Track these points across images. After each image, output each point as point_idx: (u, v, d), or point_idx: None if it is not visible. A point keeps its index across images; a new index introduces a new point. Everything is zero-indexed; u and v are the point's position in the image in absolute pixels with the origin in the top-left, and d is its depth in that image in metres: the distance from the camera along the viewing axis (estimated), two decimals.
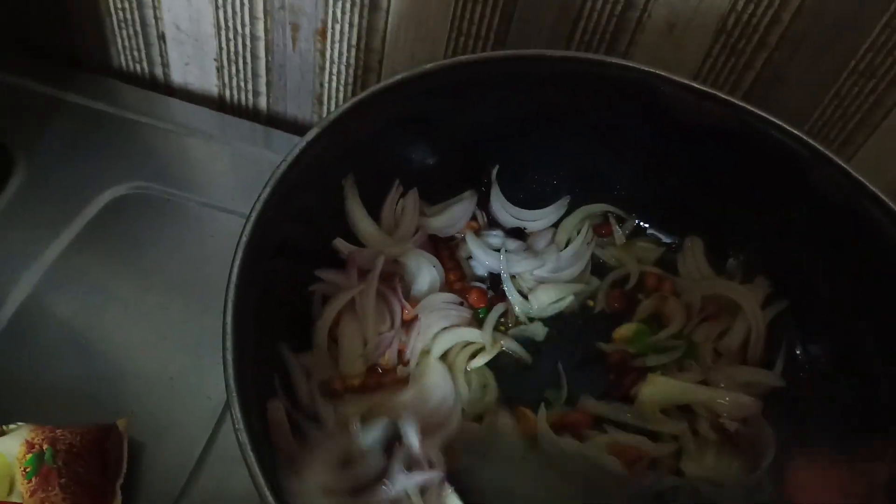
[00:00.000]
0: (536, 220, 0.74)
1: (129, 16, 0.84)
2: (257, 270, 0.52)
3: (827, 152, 0.61)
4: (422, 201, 0.71)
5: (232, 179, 0.82)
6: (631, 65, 0.65)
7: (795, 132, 0.62)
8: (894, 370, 0.61)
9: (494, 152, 0.72)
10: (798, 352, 0.68)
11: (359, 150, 0.63)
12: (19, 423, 0.59)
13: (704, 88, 0.64)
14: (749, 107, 0.63)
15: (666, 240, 0.74)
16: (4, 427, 0.59)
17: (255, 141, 0.85)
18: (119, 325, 0.69)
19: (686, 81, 0.64)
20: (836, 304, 0.64)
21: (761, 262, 0.70)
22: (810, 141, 0.62)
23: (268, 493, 0.43)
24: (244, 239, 0.51)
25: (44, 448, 0.57)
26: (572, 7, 0.72)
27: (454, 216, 0.71)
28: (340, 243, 0.65)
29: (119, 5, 0.83)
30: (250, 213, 0.52)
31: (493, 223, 0.74)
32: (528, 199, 0.74)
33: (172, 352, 0.68)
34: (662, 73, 0.64)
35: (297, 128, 0.90)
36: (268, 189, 0.53)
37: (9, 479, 0.56)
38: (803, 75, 0.72)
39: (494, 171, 0.72)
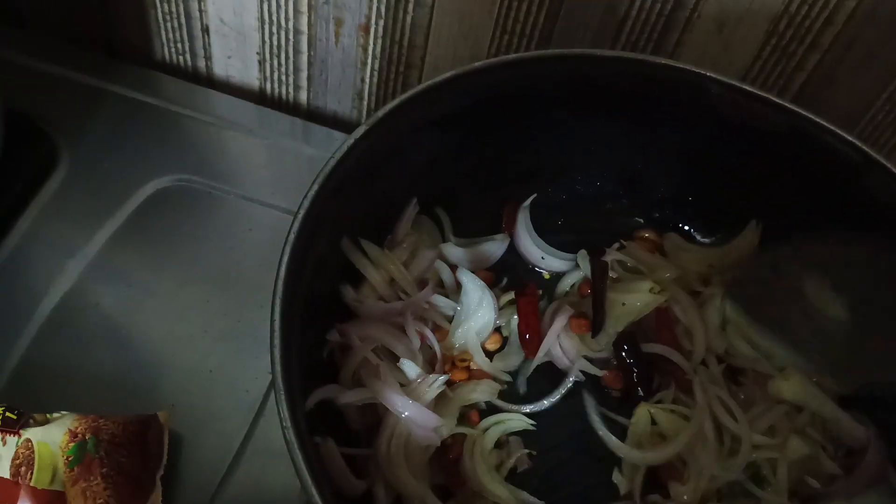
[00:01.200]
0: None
1: (173, 8, 0.84)
2: (305, 267, 0.52)
3: (878, 157, 0.60)
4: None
5: (271, 173, 0.82)
6: (679, 65, 0.64)
7: (846, 136, 0.61)
8: None
9: (535, 158, 0.72)
10: None
11: (402, 150, 0.63)
12: (63, 413, 0.59)
13: (754, 90, 0.63)
14: (799, 110, 0.62)
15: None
16: (48, 415, 0.59)
17: (295, 135, 0.85)
18: (159, 317, 0.70)
19: (735, 83, 0.63)
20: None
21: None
22: (862, 145, 0.61)
23: (314, 492, 0.42)
24: (292, 236, 0.51)
25: (87, 437, 0.58)
26: (619, 5, 0.71)
27: (484, 253, 0.71)
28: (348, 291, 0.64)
29: None
30: (298, 209, 0.52)
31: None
32: (570, 204, 0.73)
33: (212, 344, 0.69)
34: (711, 74, 0.64)
35: (336, 123, 0.89)
36: (316, 185, 0.53)
37: (52, 467, 0.57)
38: (855, 78, 0.70)
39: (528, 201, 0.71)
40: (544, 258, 0.71)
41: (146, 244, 0.74)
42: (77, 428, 0.58)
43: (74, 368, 0.66)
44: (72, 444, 0.57)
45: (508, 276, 0.71)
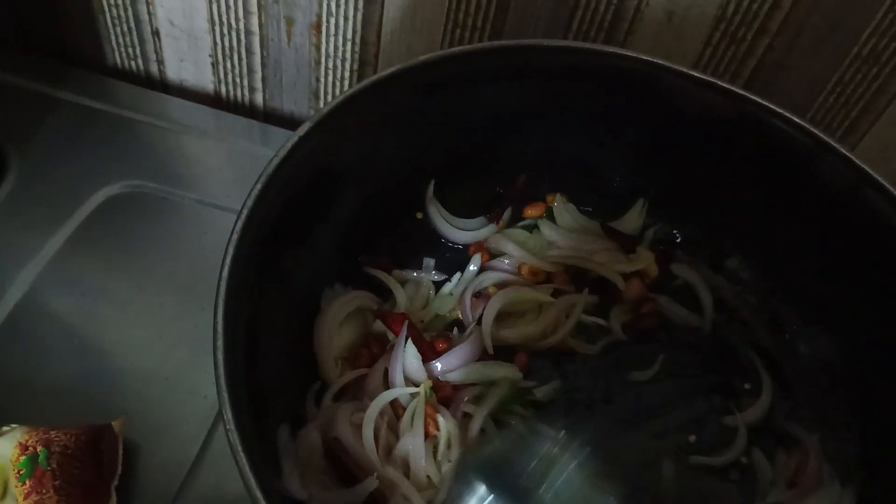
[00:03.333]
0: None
1: (122, 12, 0.83)
2: (250, 268, 0.51)
3: (829, 140, 0.60)
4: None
5: (228, 176, 0.81)
6: (630, 54, 0.64)
7: (797, 120, 0.61)
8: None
9: (487, 148, 0.71)
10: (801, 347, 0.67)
11: (355, 144, 0.62)
12: (13, 426, 0.58)
13: (704, 77, 0.63)
14: (749, 95, 0.62)
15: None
16: None
17: (252, 137, 0.85)
18: (115, 323, 0.69)
19: (686, 70, 0.63)
20: (838, 299, 0.63)
21: (761, 254, 0.69)
22: (812, 129, 0.61)
23: (258, 493, 0.42)
24: (235, 236, 0.50)
25: (38, 450, 0.57)
26: None
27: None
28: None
29: (112, 1, 0.82)
30: (242, 209, 0.51)
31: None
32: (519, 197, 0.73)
33: (168, 350, 0.68)
34: (662, 62, 0.63)
35: (294, 124, 0.89)
36: (259, 185, 0.53)
37: (2, 481, 0.56)
38: (805, 62, 0.70)
39: (430, 188, 0.70)
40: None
41: (99, 251, 0.73)
42: (27, 441, 0.57)
43: (27, 378, 0.65)
44: (23, 458, 0.56)
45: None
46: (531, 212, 0.72)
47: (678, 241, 0.73)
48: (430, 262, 0.70)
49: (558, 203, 0.72)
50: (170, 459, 0.62)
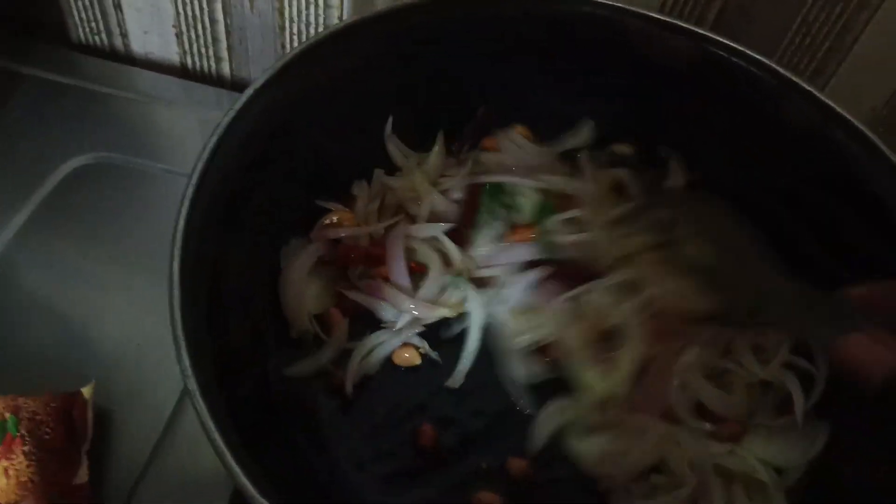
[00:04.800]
0: None
1: None
2: (209, 223, 0.51)
3: (793, 77, 0.60)
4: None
5: (197, 145, 0.79)
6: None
7: (761, 59, 0.61)
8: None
9: (458, 102, 0.71)
10: None
11: (315, 96, 0.61)
12: None
13: (668, 19, 0.63)
14: (712, 35, 0.62)
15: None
16: None
17: (221, 106, 0.84)
18: (85, 293, 0.68)
19: (649, 13, 0.63)
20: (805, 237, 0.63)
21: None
22: (776, 67, 0.61)
23: (218, 439, 0.42)
24: (190, 190, 0.50)
25: (6, 417, 0.56)
26: None
27: None
28: None
29: None
30: (196, 162, 0.51)
31: None
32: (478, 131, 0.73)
33: (139, 318, 0.67)
34: (626, 6, 0.63)
35: None
36: (214, 137, 0.52)
37: None
38: (768, 4, 0.70)
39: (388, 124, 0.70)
40: None
41: (68, 222, 0.72)
42: None
43: None
44: None
45: None
46: (488, 144, 0.72)
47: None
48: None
49: (508, 135, 0.72)
50: (141, 425, 0.62)
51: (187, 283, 0.47)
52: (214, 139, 0.52)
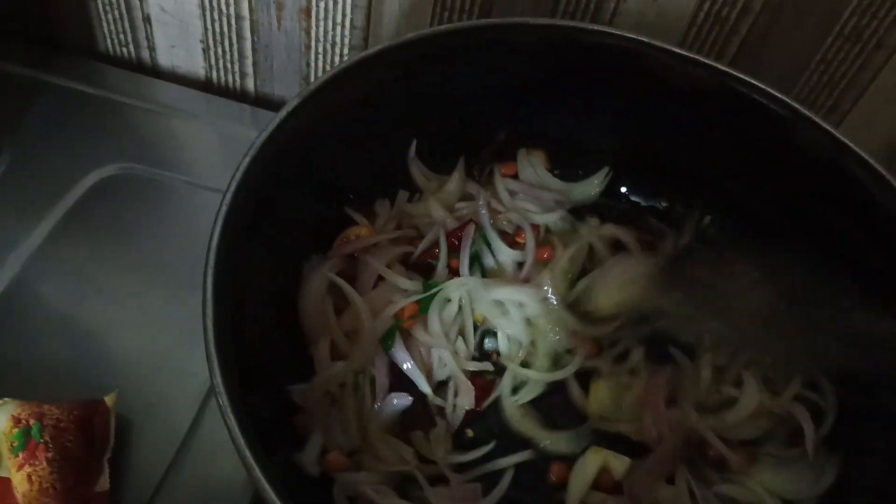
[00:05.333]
0: None
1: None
2: (240, 240, 0.52)
3: (809, 113, 0.61)
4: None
5: (219, 159, 0.82)
6: (615, 31, 0.65)
7: (777, 94, 0.62)
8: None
9: (480, 126, 0.72)
10: None
11: (344, 120, 0.62)
12: (6, 399, 0.59)
13: (687, 53, 0.64)
14: (730, 70, 0.63)
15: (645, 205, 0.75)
16: None
17: (243, 120, 0.85)
18: (106, 304, 0.69)
19: (670, 47, 0.64)
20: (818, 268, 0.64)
21: (741, 229, 0.69)
22: (792, 103, 0.62)
23: (248, 455, 0.43)
24: (224, 208, 0.51)
25: (31, 423, 0.57)
26: None
27: None
28: None
29: None
30: (230, 181, 0.52)
31: None
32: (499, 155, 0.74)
33: (160, 329, 0.68)
34: (646, 40, 0.64)
35: None
36: (248, 158, 0.53)
37: None
38: (788, 40, 0.71)
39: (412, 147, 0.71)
40: None
41: (91, 233, 0.73)
42: (20, 414, 0.58)
43: (19, 357, 0.65)
44: (16, 430, 0.57)
45: None
46: (506, 170, 0.73)
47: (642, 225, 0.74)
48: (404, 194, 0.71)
49: (527, 157, 0.73)
50: (161, 435, 0.63)
51: (219, 300, 0.48)
52: (248, 160, 0.53)
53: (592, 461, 0.60)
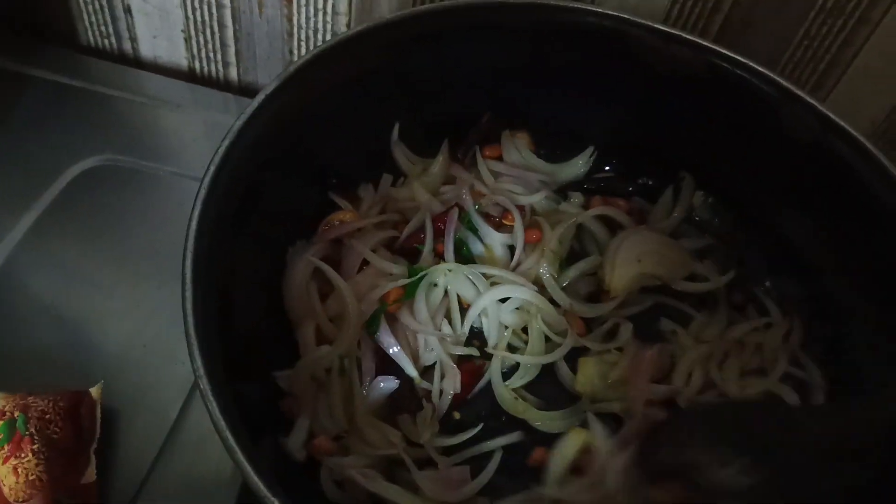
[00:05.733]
0: None
1: None
2: (221, 224, 0.52)
3: (794, 88, 0.61)
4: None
5: (204, 148, 0.81)
6: (598, 10, 0.64)
7: (762, 70, 0.62)
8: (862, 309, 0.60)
9: (464, 108, 0.72)
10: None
11: (326, 103, 0.62)
12: None
13: (673, 31, 0.64)
14: (716, 47, 0.63)
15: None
16: None
17: (228, 109, 0.85)
18: (92, 294, 0.69)
19: (654, 25, 0.64)
20: (806, 243, 0.64)
21: (729, 204, 0.69)
22: (777, 78, 0.62)
23: (229, 438, 0.42)
24: (203, 192, 0.51)
25: (15, 415, 0.57)
26: None
27: None
28: None
29: None
30: (209, 165, 0.52)
31: None
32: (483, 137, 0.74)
33: (145, 319, 0.68)
34: (630, 17, 0.64)
35: None
36: (226, 142, 0.53)
37: None
38: (771, 17, 0.71)
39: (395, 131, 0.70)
40: None
41: (75, 224, 0.73)
42: (5, 406, 0.57)
43: (5, 348, 0.65)
44: (0, 423, 0.56)
45: None
46: (490, 152, 0.73)
47: (631, 190, 0.74)
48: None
49: (511, 139, 0.73)
50: (148, 424, 0.63)
51: (199, 283, 0.47)
52: (226, 143, 0.53)
53: (573, 442, 0.59)
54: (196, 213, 0.49)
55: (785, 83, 0.62)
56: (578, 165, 0.73)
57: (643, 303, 0.67)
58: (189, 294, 0.46)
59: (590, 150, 0.73)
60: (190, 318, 0.45)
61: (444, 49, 0.66)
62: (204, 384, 0.43)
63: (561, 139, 0.73)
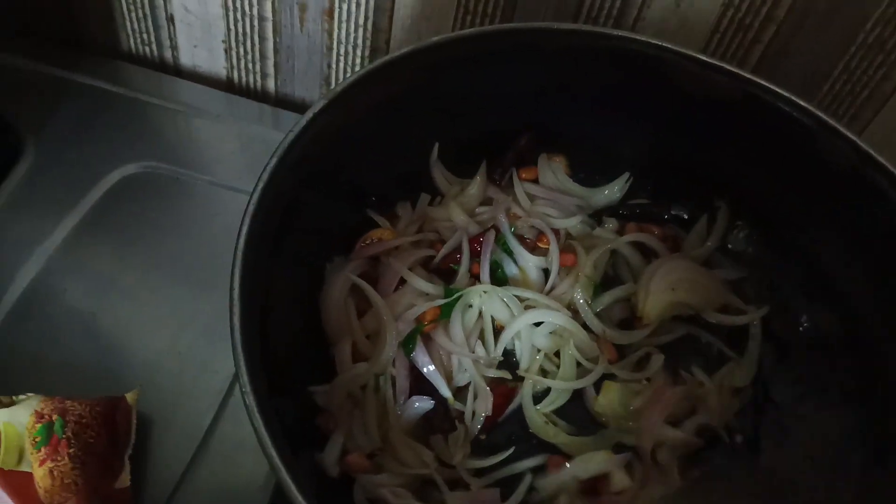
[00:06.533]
0: None
1: None
2: (265, 241, 0.53)
3: (832, 122, 0.61)
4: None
5: (240, 159, 0.82)
6: (638, 38, 0.64)
7: (801, 102, 0.62)
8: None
9: (501, 129, 0.72)
10: (804, 324, 0.68)
11: (368, 123, 0.63)
12: (29, 395, 0.59)
13: (710, 60, 0.64)
14: (754, 77, 0.63)
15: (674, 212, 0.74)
16: (14, 398, 0.59)
17: (264, 121, 0.86)
18: (128, 301, 0.70)
19: (694, 54, 0.64)
20: (842, 275, 0.64)
21: (764, 234, 0.70)
22: (816, 111, 0.61)
23: (275, 457, 0.43)
24: (251, 208, 0.52)
25: (53, 418, 0.58)
26: None
27: None
28: None
29: None
30: (257, 182, 0.52)
31: None
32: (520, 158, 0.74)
33: (181, 327, 0.69)
34: (670, 46, 0.64)
35: (305, 109, 0.88)
36: (274, 159, 0.54)
37: (18, 448, 0.57)
38: (811, 50, 0.71)
39: (434, 151, 0.71)
40: None
41: (113, 231, 0.74)
42: (43, 409, 0.58)
43: (42, 353, 0.66)
44: (38, 425, 0.57)
45: None
46: (526, 174, 0.73)
47: (665, 218, 0.74)
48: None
49: (547, 162, 0.73)
50: (182, 431, 0.63)
51: (245, 300, 0.48)
52: (274, 160, 0.53)
53: (597, 460, 0.60)
54: (244, 229, 0.50)
55: (824, 116, 0.62)
56: (614, 191, 0.73)
57: (675, 332, 0.67)
58: (237, 310, 0.47)
59: (625, 175, 0.73)
60: (238, 336, 0.46)
61: (485, 71, 0.66)
62: (250, 400, 0.44)
63: (597, 163, 0.74)
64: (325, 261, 0.65)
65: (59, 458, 0.57)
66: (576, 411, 0.64)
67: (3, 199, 0.74)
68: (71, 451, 0.57)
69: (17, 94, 0.81)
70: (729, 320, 0.68)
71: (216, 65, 0.89)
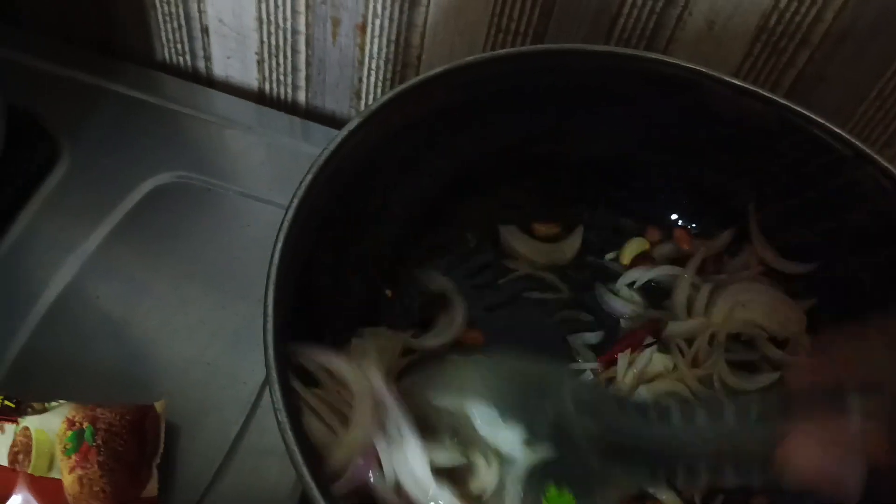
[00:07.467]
0: None
1: (173, 9, 0.85)
2: (299, 253, 0.53)
3: (869, 151, 0.61)
4: None
5: (270, 170, 0.83)
6: (670, 60, 0.65)
7: (835, 129, 0.62)
8: None
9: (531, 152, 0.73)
10: None
11: (397, 143, 0.63)
12: (61, 402, 0.60)
13: (744, 84, 0.64)
14: (788, 103, 0.63)
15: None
16: (46, 405, 0.60)
17: (294, 133, 0.86)
18: (158, 311, 0.71)
19: (725, 77, 0.64)
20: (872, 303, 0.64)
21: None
22: (852, 139, 0.61)
23: (305, 472, 0.43)
24: (286, 224, 0.52)
25: (84, 426, 0.58)
26: (612, 3, 0.72)
27: None
28: None
29: None
30: (292, 198, 0.53)
31: None
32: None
33: (209, 338, 0.69)
34: (702, 69, 0.64)
35: (335, 122, 0.90)
36: (310, 175, 0.54)
37: (49, 455, 0.58)
38: (845, 73, 0.71)
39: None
40: None
41: (145, 239, 0.75)
42: (74, 417, 0.59)
43: (73, 360, 0.66)
44: (69, 433, 0.58)
45: None
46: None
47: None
48: None
49: None
50: (209, 441, 0.64)
51: (278, 316, 0.48)
52: (310, 176, 0.54)
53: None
54: (279, 245, 0.50)
55: (860, 144, 0.61)
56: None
57: None
58: (270, 326, 0.47)
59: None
60: (271, 352, 0.46)
61: (516, 92, 0.66)
62: (282, 417, 0.44)
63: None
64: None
65: (88, 466, 0.57)
66: None
67: (38, 204, 0.75)
68: (100, 458, 0.58)
69: (53, 101, 0.82)
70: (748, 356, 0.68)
71: (248, 76, 0.90)
